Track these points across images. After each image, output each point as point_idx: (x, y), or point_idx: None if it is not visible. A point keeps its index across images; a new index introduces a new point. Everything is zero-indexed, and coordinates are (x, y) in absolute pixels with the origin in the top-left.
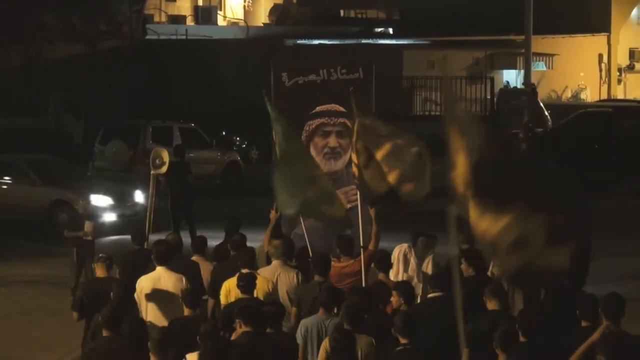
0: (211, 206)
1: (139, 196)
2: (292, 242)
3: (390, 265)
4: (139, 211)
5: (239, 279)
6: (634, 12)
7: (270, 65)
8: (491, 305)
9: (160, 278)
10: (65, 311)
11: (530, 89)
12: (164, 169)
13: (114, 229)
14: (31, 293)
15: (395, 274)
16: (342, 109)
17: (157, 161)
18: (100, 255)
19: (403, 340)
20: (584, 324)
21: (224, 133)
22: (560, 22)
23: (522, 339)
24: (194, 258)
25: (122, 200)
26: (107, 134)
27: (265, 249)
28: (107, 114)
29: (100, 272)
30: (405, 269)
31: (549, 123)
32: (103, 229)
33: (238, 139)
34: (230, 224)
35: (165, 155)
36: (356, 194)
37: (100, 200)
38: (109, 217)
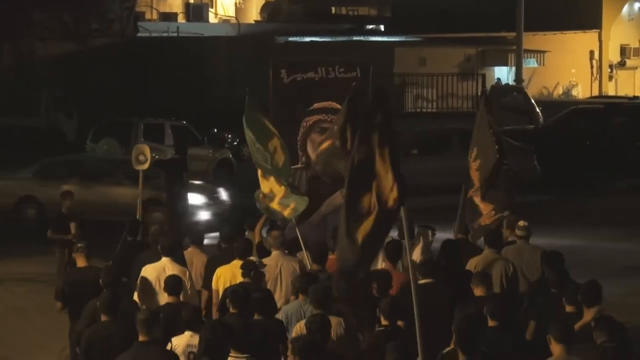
0: None
1: (224, 194)
2: (283, 233)
3: (400, 256)
4: (228, 209)
5: (242, 266)
6: (625, 8)
7: (261, 62)
8: (478, 291)
9: (165, 268)
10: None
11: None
12: (147, 165)
13: (207, 227)
14: (23, 291)
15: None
16: (339, 106)
17: (140, 157)
18: (79, 245)
19: (384, 322)
20: (568, 309)
21: (215, 130)
22: (551, 19)
23: (490, 323)
24: (190, 249)
25: (213, 198)
26: (98, 132)
27: (256, 239)
28: (99, 112)
29: (80, 261)
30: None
31: (540, 120)
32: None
33: (230, 136)
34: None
35: (148, 152)
36: None
37: (196, 198)
38: (204, 216)
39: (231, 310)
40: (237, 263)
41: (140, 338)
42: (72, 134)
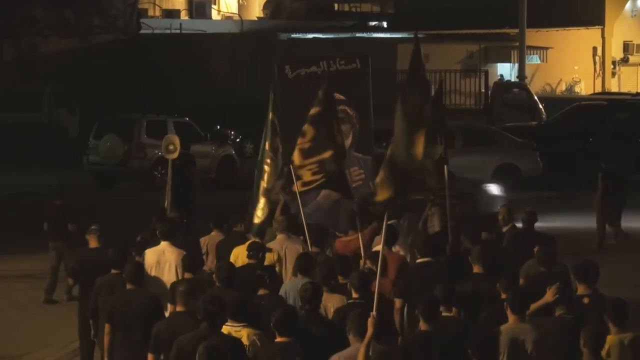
0: (206, 200)
1: None
2: (295, 218)
3: (396, 239)
4: None
5: (248, 248)
6: (628, 5)
7: (263, 59)
8: (476, 269)
9: (164, 251)
10: (58, 306)
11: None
12: (176, 154)
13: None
14: (24, 288)
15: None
16: (342, 97)
17: (170, 147)
18: (93, 227)
19: (355, 295)
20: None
21: (218, 127)
22: (554, 16)
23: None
24: (213, 233)
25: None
26: (101, 129)
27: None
28: (101, 108)
29: (92, 242)
30: None
31: (543, 116)
32: None
33: (232, 133)
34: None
35: (177, 142)
36: (360, 174)
37: (496, 189)
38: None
39: (217, 284)
40: None
41: (178, 308)
42: (74, 130)
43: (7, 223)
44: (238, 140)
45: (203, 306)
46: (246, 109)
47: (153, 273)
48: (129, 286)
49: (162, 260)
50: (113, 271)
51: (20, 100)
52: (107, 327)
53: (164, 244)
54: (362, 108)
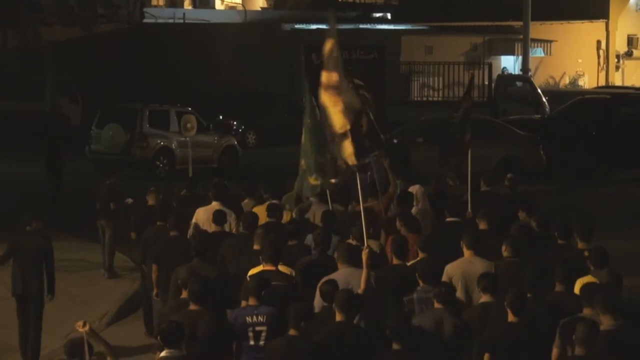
0: (208, 189)
1: None
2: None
3: (411, 204)
4: None
5: (268, 209)
6: None
7: (267, 49)
8: (482, 225)
9: (214, 210)
10: (60, 295)
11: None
12: (194, 132)
13: None
14: None
15: None
16: (361, 82)
17: (187, 125)
18: (151, 188)
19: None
20: (560, 242)
21: (220, 117)
22: (558, 8)
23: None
24: (246, 200)
25: None
26: (103, 118)
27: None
28: (104, 97)
29: (151, 200)
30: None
31: (547, 110)
32: None
33: (235, 123)
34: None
35: (194, 120)
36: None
37: None
38: None
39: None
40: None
41: (255, 247)
42: (76, 119)
43: (7, 212)
44: (241, 130)
45: (194, 245)
46: (249, 99)
47: (203, 228)
48: (172, 233)
49: (211, 217)
50: (158, 223)
51: (23, 88)
52: (153, 267)
53: (214, 204)
54: (378, 93)
